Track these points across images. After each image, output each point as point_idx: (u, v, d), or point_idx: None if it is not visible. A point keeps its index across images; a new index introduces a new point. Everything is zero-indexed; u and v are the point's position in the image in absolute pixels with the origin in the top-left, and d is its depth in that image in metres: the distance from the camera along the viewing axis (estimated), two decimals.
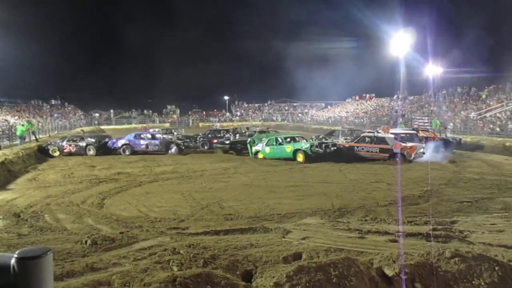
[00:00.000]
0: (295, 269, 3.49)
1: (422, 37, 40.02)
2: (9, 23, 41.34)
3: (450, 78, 41.87)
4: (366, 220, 7.14)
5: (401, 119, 35.71)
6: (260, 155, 19.22)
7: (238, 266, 4.15)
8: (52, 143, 21.98)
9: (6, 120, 36.94)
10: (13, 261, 0.67)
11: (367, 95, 58.13)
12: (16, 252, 0.69)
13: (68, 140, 22.00)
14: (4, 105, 49.36)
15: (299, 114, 64.87)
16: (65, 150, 21.30)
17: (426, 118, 34.89)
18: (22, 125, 25.51)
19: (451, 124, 30.54)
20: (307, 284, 3.29)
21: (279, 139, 19.12)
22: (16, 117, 42.58)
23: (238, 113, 70.34)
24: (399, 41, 43.31)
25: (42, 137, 26.89)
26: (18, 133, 23.57)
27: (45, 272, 0.69)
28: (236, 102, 76.79)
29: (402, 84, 47.33)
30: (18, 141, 23.22)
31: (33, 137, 24.57)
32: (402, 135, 19.77)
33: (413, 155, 16.90)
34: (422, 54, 42.20)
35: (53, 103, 60.93)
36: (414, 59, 43.62)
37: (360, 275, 3.47)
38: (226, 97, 75.54)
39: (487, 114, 31.51)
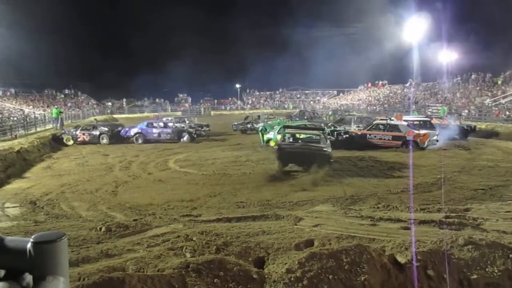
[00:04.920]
0: (307, 256, 3.51)
1: (436, 22, 39.20)
2: (21, 14, 41.63)
3: (465, 64, 41.09)
4: (378, 208, 7.12)
5: (414, 106, 35.25)
6: (272, 143, 19.17)
7: (251, 252, 4.18)
8: (66, 132, 22.27)
9: (21, 110, 37.44)
10: (29, 245, 0.69)
11: (380, 82, 57.46)
12: (32, 237, 0.71)
13: (82, 129, 22.23)
14: (19, 95, 50.00)
15: (311, 102, 64.48)
16: (79, 139, 21.55)
17: (440, 105, 34.41)
18: (56, 107, 29.62)
19: (466, 111, 30.06)
20: (319, 271, 3.30)
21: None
22: (31, 107, 43.11)
23: (250, 101, 70.08)
24: (413, 26, 42.49)
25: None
26: (53, 115, 27.20)
27: (60, 256, 0.71)
28: (248, 90, 76.40)
29: (415, 71, 46.59)
30: (54, 124, 26.99)
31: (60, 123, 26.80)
32: (415, 122, 19.62)
33: (426, 143, 16.74)
34: (436, 39, 41.34)
35: (66, 92, 61.51)
36: (427, 45, 42.81)
37: (372, 262, 3.47)
38: (237, 85, 75.07)
39: (503, 101, 30.92)
